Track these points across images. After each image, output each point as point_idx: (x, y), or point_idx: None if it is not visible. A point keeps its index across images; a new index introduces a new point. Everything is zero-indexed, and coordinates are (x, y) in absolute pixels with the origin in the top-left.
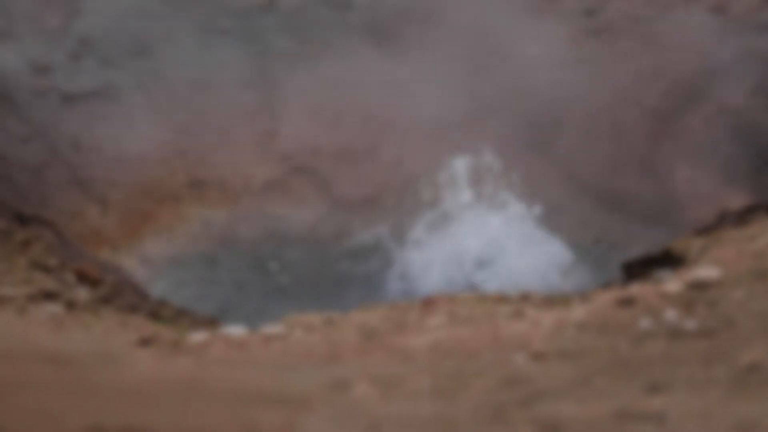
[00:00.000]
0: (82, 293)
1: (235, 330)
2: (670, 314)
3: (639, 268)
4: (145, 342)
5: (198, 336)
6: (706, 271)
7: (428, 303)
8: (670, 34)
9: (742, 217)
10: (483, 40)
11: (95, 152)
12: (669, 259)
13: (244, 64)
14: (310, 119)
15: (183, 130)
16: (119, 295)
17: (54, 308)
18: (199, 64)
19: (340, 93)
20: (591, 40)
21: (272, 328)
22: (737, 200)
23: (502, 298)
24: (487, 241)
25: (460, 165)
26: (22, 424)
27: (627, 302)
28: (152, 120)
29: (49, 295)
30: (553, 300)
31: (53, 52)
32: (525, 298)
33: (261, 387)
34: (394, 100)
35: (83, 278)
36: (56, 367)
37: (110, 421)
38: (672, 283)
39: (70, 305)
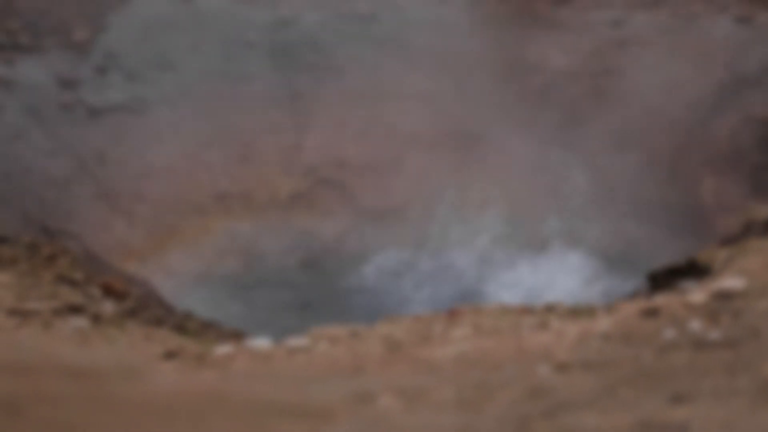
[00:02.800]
0: (108, 307)
1: (260, 343)
2: (695, 325)
3: (664, 279)
4: (170, 355)
5: (223, 349)
6: (730, 282)
7: (453, 314)
8: (695, 44)
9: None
10: (508, 51)
11: (121, 166)
12: (694, 270)
13: (269, 77)
14: (335, 131)
15: (208, 143)
16: (145, 308)
17: (79, 322)
18: (224, 78)
19: (364, 105)
20: (617, 50)
21: (297, 341)
22: (763, 210)
23: (526, 310)
24: None
25: None
26: None
27: (651, 313)
28: (178, 133)
29: (74, 309)
30: (578, 311)
31: (80, 67)
32: (550, 309)
33: (284, 399)
34: (419, 112)
35: (109, 292)
36: (78, 381)
37: None
38: (696, 293)
39: (96, 319)
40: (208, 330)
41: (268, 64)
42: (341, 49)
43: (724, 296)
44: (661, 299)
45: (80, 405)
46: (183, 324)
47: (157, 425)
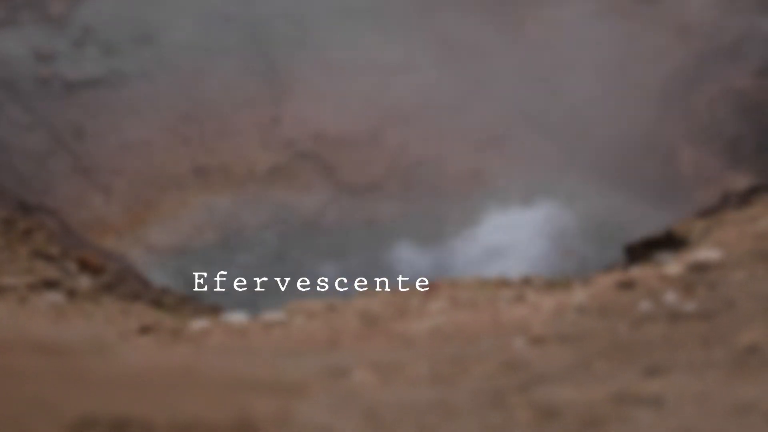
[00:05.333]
0: (84, 282)
1: (236, 317)
2: (670, 297)
3: (641, 251)
4: (145, 330)
5: (198, 324)
6: (706, 253)
7: (430, 288)
8: (674, 15)
9: (745, 198)
10: (486, 22)
11: (99, 140)
12: (671, 241)
13: (247, 50)
14: (313, 104)
15: (186, 117)
16: (122, 283)
17: (55, 297)
18: (202, 51)
19: (343, 78)
20: (597, 21)
21: (273, 315)
22: (741, 181)
23: (503, 282)
24: None
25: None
26: (15, 413)
27: (627, 285)
28: (156, 107)
29: (50, 284)
30: (555, 283)
31: (56, 40)
32: (526, 281)
33: (257, 374)
34: (397, 85)
35: (85, 267)
36: (51, 357)
37: (103, 410)
38: (673, 265)
39: (72, 294)
40: (185, 305)
41: (245, 38)
42: (319, 22)
43: (700, 268)
44: (637, 271)
45: (54, 380)
46: (160, 299)
47: (128, 400)
